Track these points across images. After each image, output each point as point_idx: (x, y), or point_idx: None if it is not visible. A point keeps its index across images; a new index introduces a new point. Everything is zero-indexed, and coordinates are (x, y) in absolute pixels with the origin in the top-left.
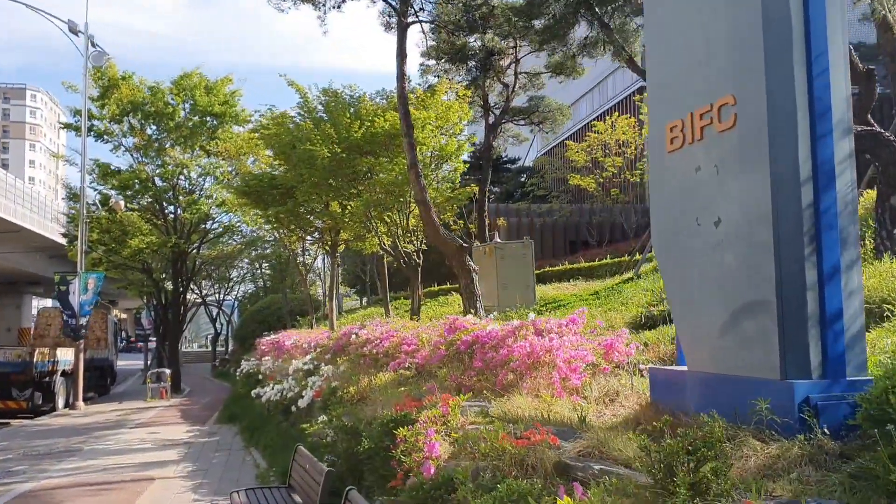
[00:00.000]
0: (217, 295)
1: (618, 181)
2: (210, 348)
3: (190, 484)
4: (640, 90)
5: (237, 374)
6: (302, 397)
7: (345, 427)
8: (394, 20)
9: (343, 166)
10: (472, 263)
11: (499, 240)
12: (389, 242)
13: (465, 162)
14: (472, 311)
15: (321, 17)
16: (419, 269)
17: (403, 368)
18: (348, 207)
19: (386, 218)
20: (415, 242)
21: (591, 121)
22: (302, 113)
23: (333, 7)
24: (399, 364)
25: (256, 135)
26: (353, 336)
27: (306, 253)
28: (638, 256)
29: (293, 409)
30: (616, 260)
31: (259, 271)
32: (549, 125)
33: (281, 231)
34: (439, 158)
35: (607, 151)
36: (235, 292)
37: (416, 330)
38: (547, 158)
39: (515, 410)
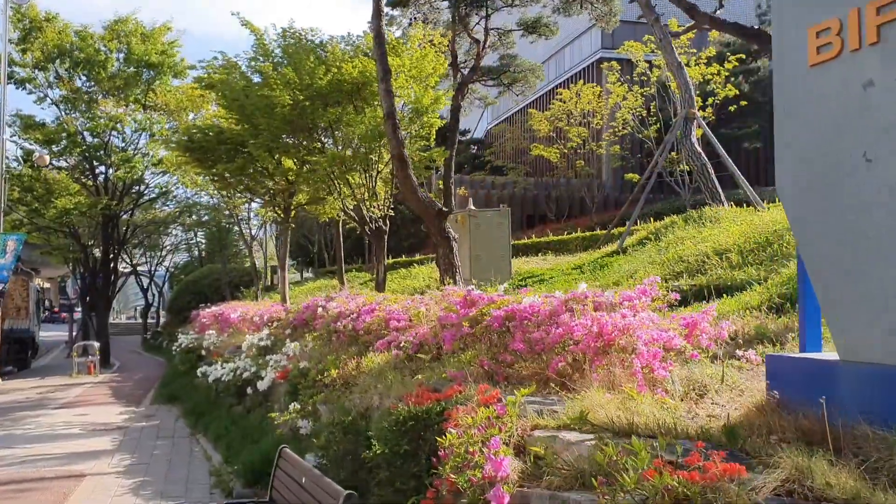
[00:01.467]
0: (148, 264)
1: (582, 153)
2: (140, 320)
3: (129, 482)
4: (600, 61)
5: (174, 348)
6: (261, 378)
7: (343, 424)
8: None
9: (305, 117)
10: (451, 231)
11: (472, 207)
12: (353, 206)
13: (441, 118)
14: (451, 283)
15: None
16: (385, 237)
17: (396, 348)
18: (308, 165)
19: (350, 178)
20: (382, 207)
21: (552, 88)
22: (257, 58)
23: None
24: (390, 343)
25: (202, 84)
26: (320, 309)
27: (252, 219)
28: (618, 230)
29: (249, 391)
30: (590, 233)
31: (195, 240)
32: (519, 87)
33: (226, 194)
34: (413, 112)
35: (571, 121)
36: (168, 262)
37: (402, 303)
38: (507, 126)
39: (596, 411)
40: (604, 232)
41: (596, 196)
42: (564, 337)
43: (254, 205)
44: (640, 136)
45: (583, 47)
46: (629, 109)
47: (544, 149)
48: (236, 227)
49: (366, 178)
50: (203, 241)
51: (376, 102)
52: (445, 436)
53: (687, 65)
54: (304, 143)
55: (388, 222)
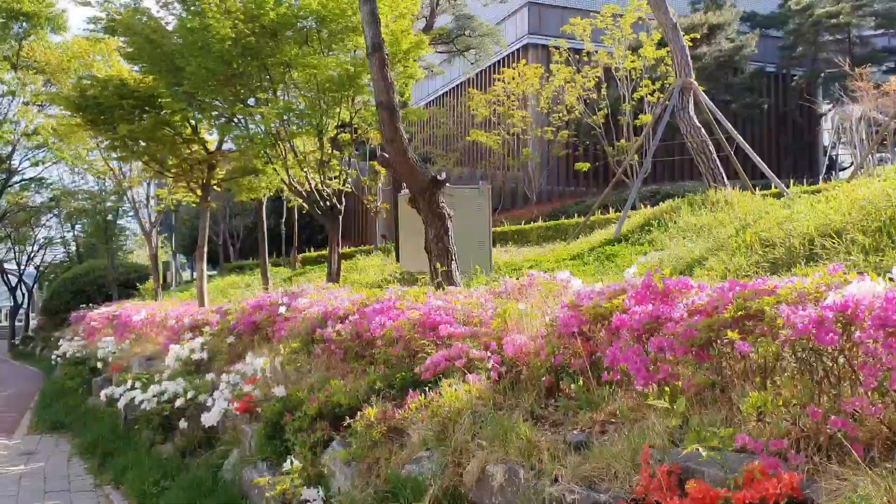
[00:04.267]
0: (17, 259)
1: (524, 139)
2: (7, 323)
3: None
4: (526, 47)
5: (53, 357)
6: (205, 408)
7: None
8: None
9: (251, 56)
10: (445, 206)
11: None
12: (303, 178)
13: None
14: (445, 271)
15: None
16: (340, 217)
17: (467, 370)
18: (240, 124)
19: (298, 142)
20: (338, 179)
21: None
22: None
23: None
24: (450, 361)
25: (99, 26)
26: (282, 308)
27: (151, 201)
28: (596, 217)
29: (183, 424)
30: (553, 222)
31: (73, 233)
32: (474, 54)
33: (120, 170)
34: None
35: (511, 105)
36: (40, 258)
37: (445, 300)
38: (436, 108)
39: None
40: (571, 220)
41: (541, 186)
42: None
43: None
44: (589, 120)
45: (507, 31)
46: (577, 93)
47: (483, 134)
48: (129, 214)
49: (319, 140)
50: (83, 233)
51: (343, 42)
52: None
53: (638, 46)
54: (242, 92)
55: (342, 199)
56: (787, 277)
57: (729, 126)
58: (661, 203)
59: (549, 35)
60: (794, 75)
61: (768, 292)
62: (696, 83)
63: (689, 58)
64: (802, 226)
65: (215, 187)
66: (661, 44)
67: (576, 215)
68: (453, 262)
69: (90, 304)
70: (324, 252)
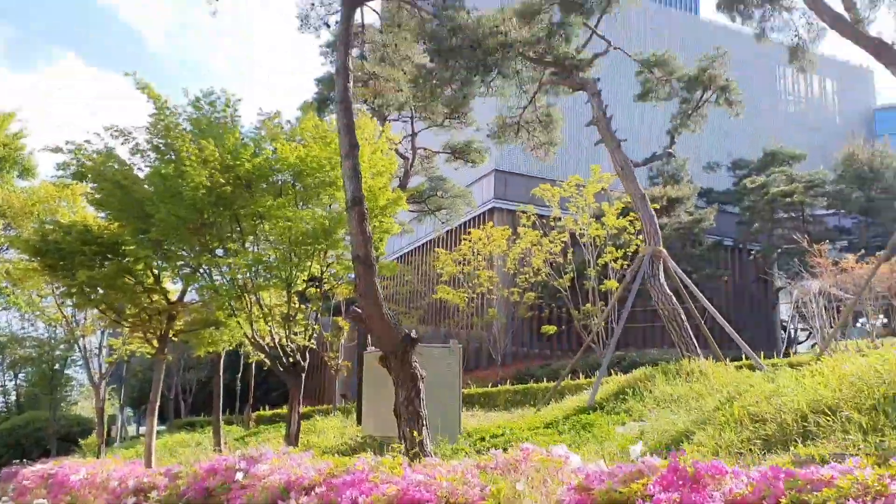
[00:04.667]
0: None
1: (491, 299)
2: None
3: None
4: (492, 211)
5: None
6: None
7: None
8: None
9: (223, 205)
10: (418, 366)
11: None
12: (267, 332)
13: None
14: (417, 437)
15: None
16: (303, 375)
17: None
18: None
19: (265, 294)
20: (304, 334)
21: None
22: (156, 135)
23: None
24: None
25: (68, 171)
26: (239, 475)
27: (103, 350)
28: (567, 382)
29: None
30: (522, 386)
31: (15, 381)
32: (444, 214)
33: (72, 319)
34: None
35: (478, 264)
36: None
37: (426, 473)
38: (403, 266)
39: None
40: (540, 385)
41: (506, 347)
42: None
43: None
44: (555, 283)
45: (475, 195)
46: (543, 256)
47: (451, 292)
48: (78, 363)
49: (286, 294)
50: (26, 382)
51: (319, 196)
52: None
53: (601, 215)
54: (211, 241)
55: (307, 356)
56: (833, 464)
57: (699, 295)
58: (628, 370)
59: (513, 200)
60: (751, 250)
61: (825, 483)
62: (665, 251)
63: (658, 227)
64: (792, 401)
65: (173, 339)
66: (623, 213)
67: (544, 379)
68: (425, 427)
69: (24, 460)
70: (279, 411)
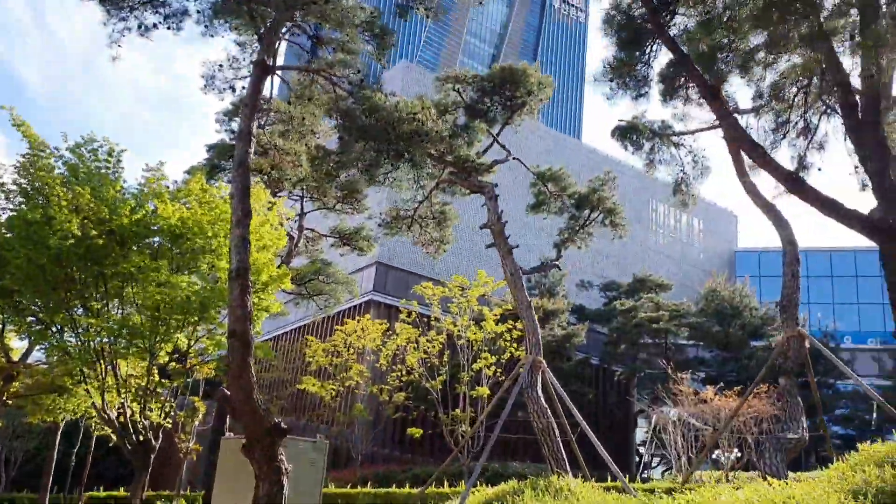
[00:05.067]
0: None
1: (359, 394)
2: None
3: None
4: (369, 303)
5: None
6: None
7: None
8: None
9: (92, 260)
10: (284, 459)
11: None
12: (117, 405)
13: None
14: None
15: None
16: (153, 456)
17: None
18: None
19: (122, 363)
20: (162, 409)
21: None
22: (26, 177)
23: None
24: None
25: None
26: None
27: None
28: (432, 489)
29: None
30: (384, 490)
31: None
32: (324, 300)
33: None
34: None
35: (349, 357)
36: None
37: None
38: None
39: None
40: (402, 490)
41: (369, 446)
42: None
43: None
44: (428, 385)
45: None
46: (419, 355)
47: (318, 383)
48: None
49: (147, 365)
50: None
51: (197, 263)
52: None
53: (481, 319)
54: (72, 298)
55: (159, 435)
56: None
57: (575, 411)
58: (491, 482)
59: (392, 294)
60: (616, 371)
61: None
62: (545, 362)
63: (540, 337)
64: None
65: (7, 403)
66: (502, 320)
67: (406, 484)
68: None
69: None
70: (116, 493)
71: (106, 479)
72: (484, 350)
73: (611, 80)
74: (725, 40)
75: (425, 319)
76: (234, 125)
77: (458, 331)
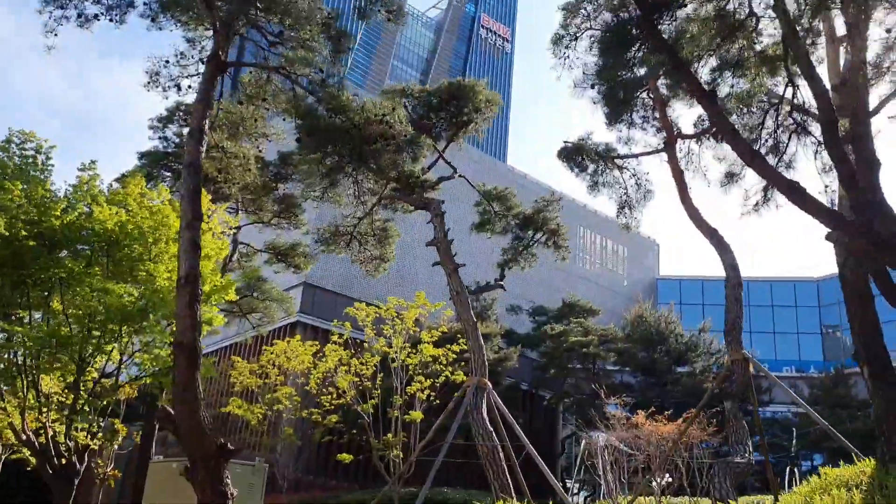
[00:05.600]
0: None
1: (288, 418)
2: None
3: None
4: (295, 325)
5: None
6: None
7: None
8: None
9: (19, 263)
10: (230, 484)
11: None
12: (38, 425)
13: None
14: None
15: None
16: (76, 483)
17: None
18: None
19: (44, 379)
20: (90, 430)
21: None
22: None
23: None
24: None
25: None
26: None
27: None
28: None
29: None
30: None
31: None
32: (257, 318)
33: None
34: None
35: (276, 380)
36: None
37: None
38: None
39: None
40: None
41: (296, 472)
42: None
43: None
44: (359, 408)
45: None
46: (350, 378)
47: (244, 406)
48: None
49: (74, 381)
50: None
51: (133, 272)
52: None
53: (419, 342)
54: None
55: (84, 458)
56: None
57: (521, 433)
58: None
59: (320, 317)
60: (545, 396)
61: None
62: (490, 384)
63: (486, 358)
64: None
65: None
66: (438, 344)
67: None
68: None
69: None
70: None
71: None
72: (419, 373)
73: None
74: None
75: (357, 342)
76: (169, 132)
77: (393, 353)
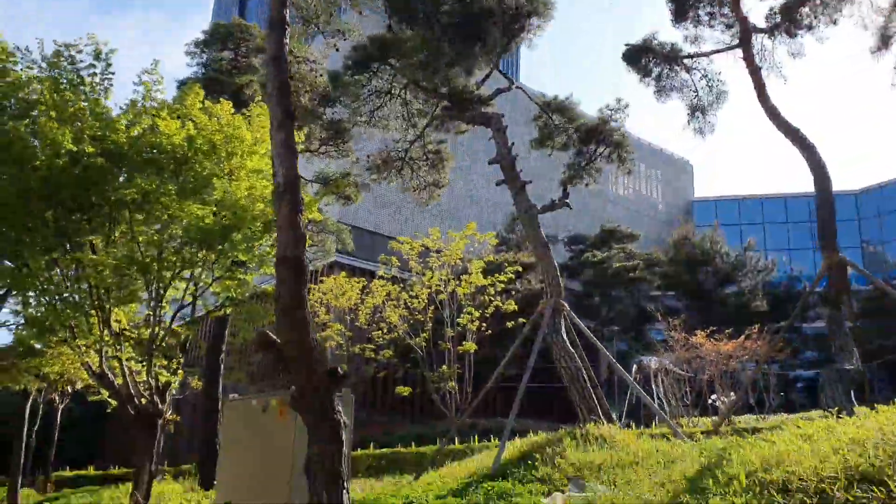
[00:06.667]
0: None
1: (340, 355)
2: None
3: None
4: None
5: None
6: None
7: None
8: None
9: (91, 183)
10: (341, 411)
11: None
12: (114, 364)
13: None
14: None
15: None
16: (160, 424)
17: None
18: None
19: (119, 313)
20: (171, 368)
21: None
22: None
23: None
24: None
25: None
26: None
27: None
28: (452, 447)
29: None
30: (389, 450)
31: None
32: (313, 251)
33: None
34: (263, 217)
35: (327, 319)
36: None
37: None
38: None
39: None
40: (409, 449)
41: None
42: None
43: None
44: (411, 342)
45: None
46: (400, 312)
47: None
48: None
49: (153, 313)
50: None
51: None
52: None
53: (466, 272)
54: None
55: (166, 398)
56: None
57: (608, 353)
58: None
59: (356, 257)
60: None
61: None
62: (567, 305)
63: (560, 279)
64: (809, 468)
65: None
66: (486, 272)
67: (398, 445)
68: (345, 491)
69: None
70: (83, 472)
71: (66, 459)
72: (468, 304)
73: None
74: None
75: (399, 279)
76: (206, 57)
77: (440, 285)
